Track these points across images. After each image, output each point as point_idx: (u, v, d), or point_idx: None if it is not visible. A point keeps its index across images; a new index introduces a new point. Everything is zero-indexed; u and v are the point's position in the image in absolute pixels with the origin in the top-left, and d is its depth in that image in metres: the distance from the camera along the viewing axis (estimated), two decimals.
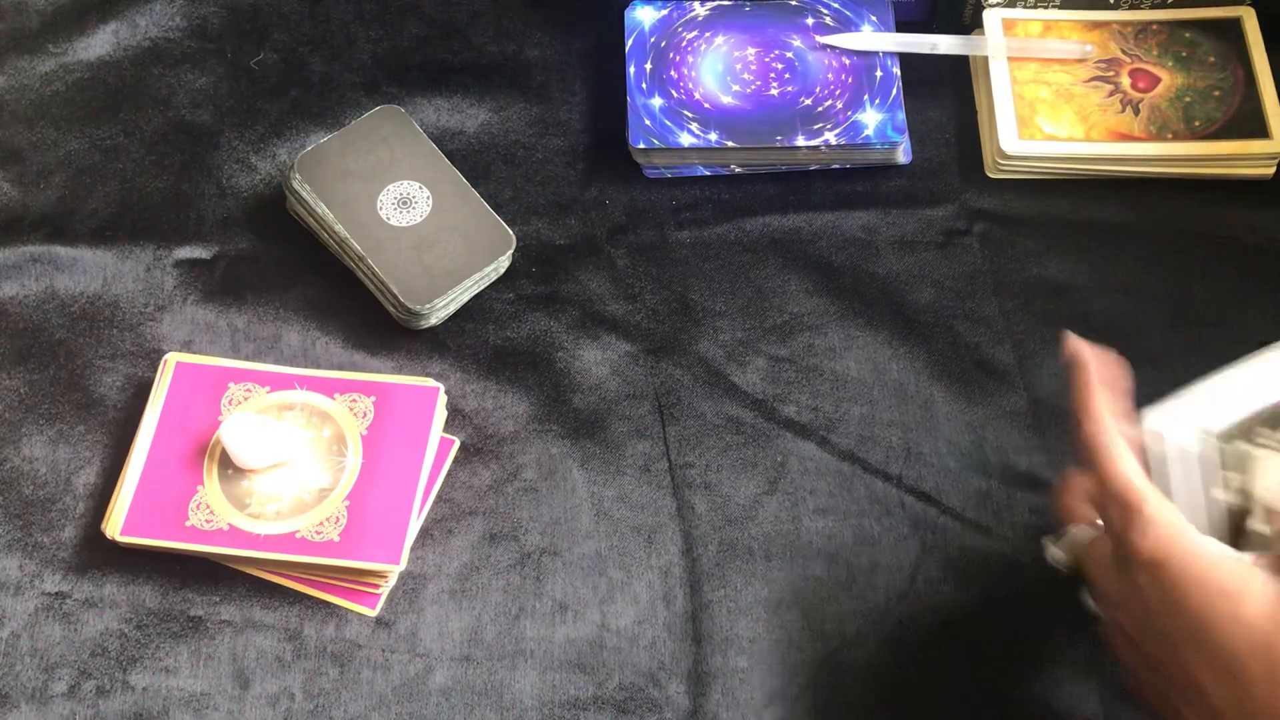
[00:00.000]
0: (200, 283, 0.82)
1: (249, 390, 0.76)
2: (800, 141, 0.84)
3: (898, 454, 0.77)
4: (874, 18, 0.88)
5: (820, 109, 0.85)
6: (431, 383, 0.76)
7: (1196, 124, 0.85)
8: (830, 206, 0.85)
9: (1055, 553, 0.65)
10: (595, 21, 0.92)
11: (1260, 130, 0.84)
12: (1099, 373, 0.60)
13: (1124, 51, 0.88)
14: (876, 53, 0.87)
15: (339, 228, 0.80)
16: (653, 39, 0.88)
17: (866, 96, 0.85)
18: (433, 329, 0.80)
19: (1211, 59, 0.87)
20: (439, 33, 0.92)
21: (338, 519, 0.72)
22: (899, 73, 0.86)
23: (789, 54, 0.88)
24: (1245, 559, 0.54)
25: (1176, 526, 0.55)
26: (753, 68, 0.87)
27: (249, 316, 0.81)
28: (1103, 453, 0.57)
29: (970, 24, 0.91)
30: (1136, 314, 0.81)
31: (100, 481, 0.75)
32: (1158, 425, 0.59)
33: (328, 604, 0.72)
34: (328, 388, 0.76)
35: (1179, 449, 0.59)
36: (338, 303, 0.81)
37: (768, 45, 0.88)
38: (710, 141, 0.84)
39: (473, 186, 0.82)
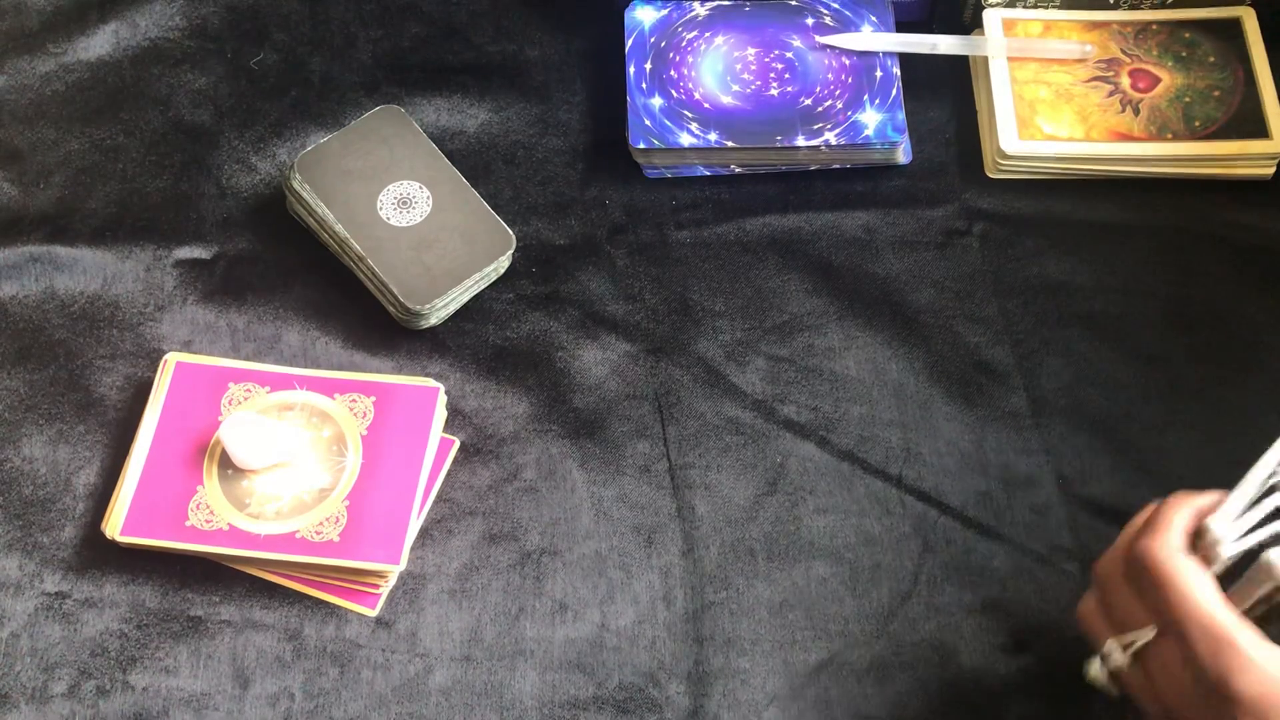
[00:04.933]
0: (200, 283, 0.82)
1: (249, 390, 0.76)
2: (800, 141, 0.84)
3: (897, 454, 0.77)
4: (874, 18, 0.88)
5: (820, 109, 0.85)
6: (431, 383, 0.76)
7: (1196, 124, 0.85)
8: (830, 206, 0.85)
9: (1099, 676, 0.60)
10: (595, 21, 0.92)
11: (1260, 130, 0.84)
12: (1202, 503, 0.58)
13: (1124, 51, 0.88)
14: (876, 53, 0.87)
15: (339, 228, 0.80)
16: (653, 39, 0.88)
17: (866, 96, 0.85)
18: (433, 329, 0.80)
19: (1211, 59, 0.87)
20: (439, 33, 0.92)
21: (338, 519, 0.72)
22: (899, 73, 0.86)
23: (789, 54, 0.88)
24: None
25: (1278, 665, 0.53)
26: (753, 68, 0.87)
27: (249, 316, 0.81)
28: (1179, 582, 0.56)
29: (970, 24, 0.91)
30: (1136, 314, 0.81)
31: (100, 481, 0.75)
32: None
33: (328, 604, 0.72)
34: (328, 388, 0.76)
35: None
36: (338, 303, 0.81)
37: (768, 45, 0.88)
38: (710, 141, 0.84)
39: (473, 186, 0.82)
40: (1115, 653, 0.59)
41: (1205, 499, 0.58)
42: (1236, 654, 0.53)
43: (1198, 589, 0.55)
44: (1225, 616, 0.54)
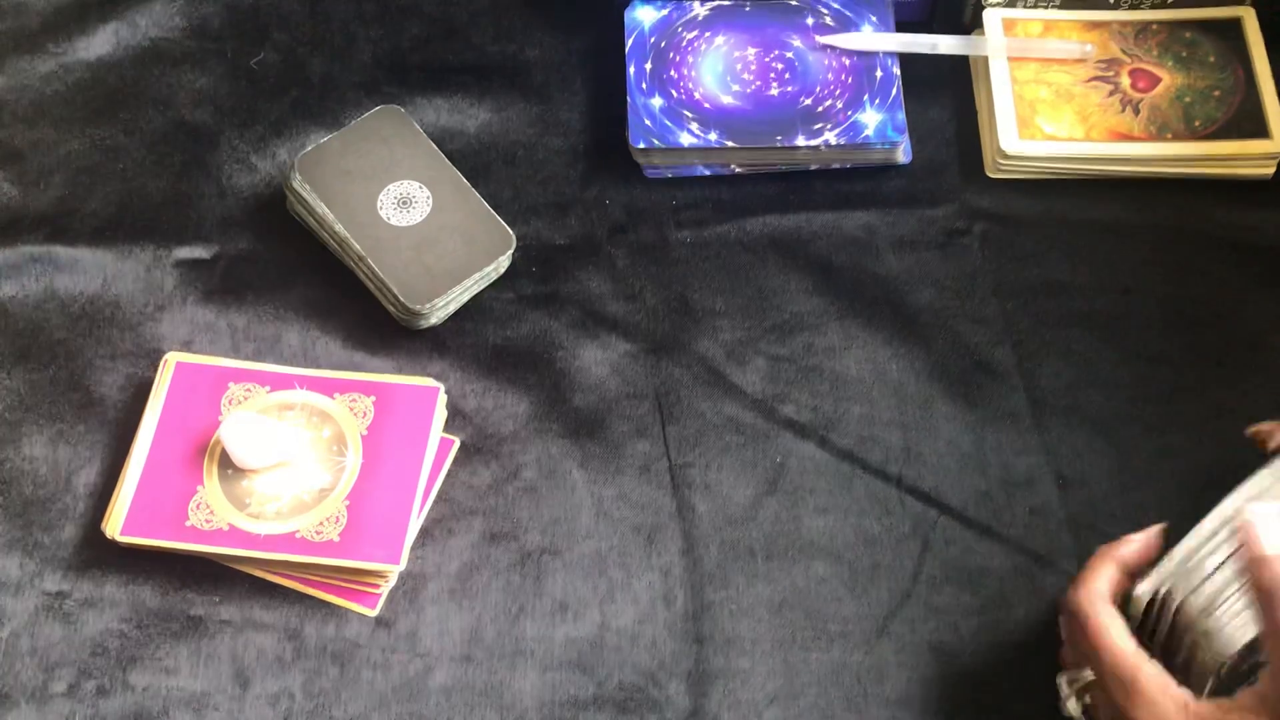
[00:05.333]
0: (200, 283, 0.82)
1: (249, 390, 0.76)
2: (800, 141, 0.84)
3: (897, 454, 0.77)
4: (874, 18, 0.88)
5: (820, 109, 0.85)
6: (431, 383, 0.76)
7: (1196, 124, 0.85)
8: (830, 206, 0.85)
9: (1070, 707, 0.64)
10: (595, 21, 0.92)
11: (1260, 130, 0.84)
12: (1124, 552, 0.63)
13: (1124, 51, 0.88)
14: (876, 53, 0.87)
15: (339, 228, 0.80)
16: (653, 39, 0.88)
17: (866, 96, 0.85)
18: (433, 329, 0.80)
19: (1211, 59, 0.87)
20: (439, 33, 0.92)
21: (338, 519, 0.72)
22: (899, 73, 0.86)
23: (789, 54, 0.88)
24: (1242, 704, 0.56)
25: (1173, 700, 0.57)
26: (753, 68, 0.87)
27: (249, 316, 0.81)
28: (1094, 623, 0.60)
29: (970, 24, 0.91)
30: (1136, 314, 0.81)
31: (100, 481, 0.75)
32: None
33: (328, 604, 0.72)
34: (328, 388, 0.76)
35: None
36: (338, 303, 0.81)
37: (768, 45, 0.88)
38: (710, 141, 0.84)
39: (473, 186, 0.82)
40: (1063, 687, 0.64)
41: (1126, 549, 0.63)
42: (1136, 688, 0.58)
43: (1110, 629, 0.60)
44: (1130, 654, 0.59)
